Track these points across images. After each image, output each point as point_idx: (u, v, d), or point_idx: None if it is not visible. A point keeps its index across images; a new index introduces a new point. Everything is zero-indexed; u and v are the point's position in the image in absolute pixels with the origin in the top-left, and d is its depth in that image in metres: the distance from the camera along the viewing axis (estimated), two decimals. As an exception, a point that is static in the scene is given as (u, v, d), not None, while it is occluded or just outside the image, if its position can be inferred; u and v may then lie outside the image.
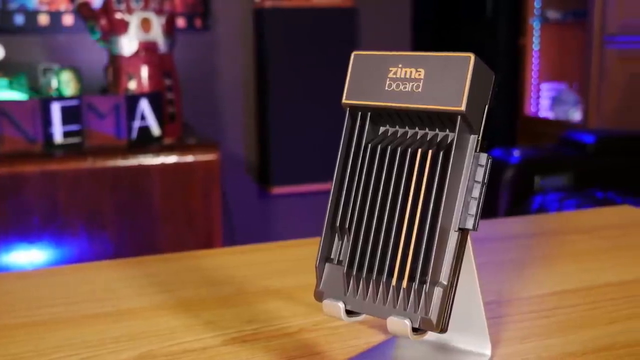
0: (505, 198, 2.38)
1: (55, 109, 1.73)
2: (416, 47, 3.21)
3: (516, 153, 2.49)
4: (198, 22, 2.67)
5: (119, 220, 1.74)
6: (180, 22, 2.63)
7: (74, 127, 1.75)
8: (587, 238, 0.85)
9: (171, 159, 1.77)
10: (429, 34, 4.27)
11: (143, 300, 0.65)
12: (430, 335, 0.51)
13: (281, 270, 0.73)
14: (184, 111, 2.17)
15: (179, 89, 1.99)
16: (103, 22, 1.88)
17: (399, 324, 0.43)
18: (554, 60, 3.73)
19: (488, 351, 0.50)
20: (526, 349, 0.53)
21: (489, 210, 2.33)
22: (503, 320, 0.58)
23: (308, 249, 0.79)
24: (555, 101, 3.61)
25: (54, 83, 2.07)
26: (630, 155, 2.59)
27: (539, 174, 2.43)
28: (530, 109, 3.78)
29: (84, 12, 1.91)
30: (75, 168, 1.69)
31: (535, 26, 3.71)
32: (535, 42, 3.73)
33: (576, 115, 3.48)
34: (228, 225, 2.28)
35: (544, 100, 3.71)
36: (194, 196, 1.80)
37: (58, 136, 1.74)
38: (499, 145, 3.18)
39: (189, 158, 1.78)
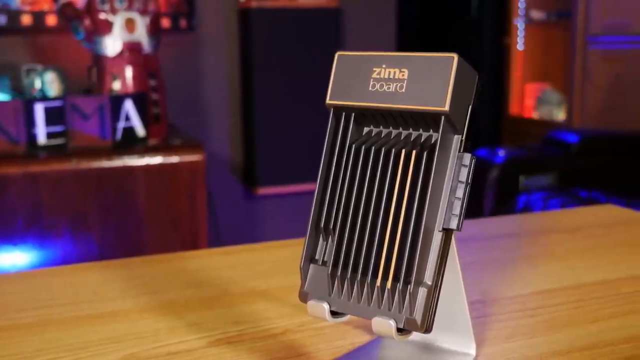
0: (490, 198, 2.39)
1: (39, 110, 1.71)
2: (401, 47, 3.21)
3: (501, 153, 2.50)
4: (183, 23, 2.66)
5: (104, 221, 1.73)
6: (165, 22, 2.61)
7: (57, 128, 1.74)
8: (571, 237, 0.86)
9: (156, 159, 1.76)
10: (414, 33, 4.28)
11: (127, 302, 0.64)
12: (415, 336, 0.52)
13: (267, 271, 0.73)
14: (169, 112, 2.17)
15: (164, 89, 1.99)
16: (87, 22, 1.87)
17: (384, 325, 0.43)
18: (538, 61, 3.75)
19: (473, 351, 0.50)
20: (511, 347, 0.53)
21: (473, 210, 2.34)
22: (488, 319, 0.58)
23: (294, 249, 0.79)
24: (540, 101, 3.63)
25: (38, 84, 2.05)
26: (614, 154, 2.61)
27: (523, 173, 2.44)
28: (514, 109, 3.79)
29: (67, 13, 1.90)
30: (59, 169, 1.68)
31: (519, 26, 3.73)
32: (519, 42, 3.74)
33: (560, 115, 3.50)
34: (213, 226, 2.28)
35: (529, 100, 3.73)
36: (179, 197, 1.79)
37: (42, 137, 1.73)
38: (483, 145, 3.19)
39: (174, 159, 1.78)
